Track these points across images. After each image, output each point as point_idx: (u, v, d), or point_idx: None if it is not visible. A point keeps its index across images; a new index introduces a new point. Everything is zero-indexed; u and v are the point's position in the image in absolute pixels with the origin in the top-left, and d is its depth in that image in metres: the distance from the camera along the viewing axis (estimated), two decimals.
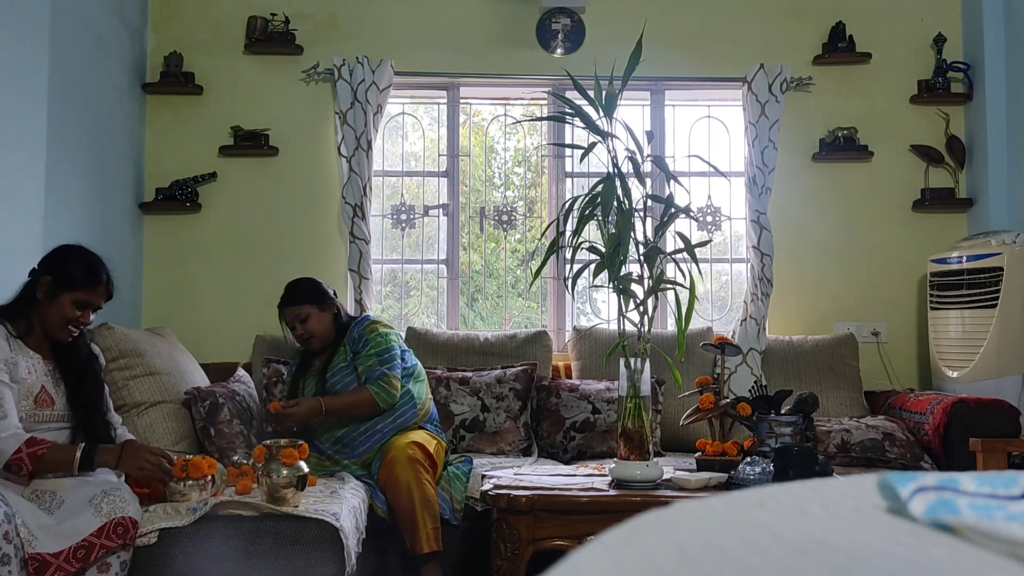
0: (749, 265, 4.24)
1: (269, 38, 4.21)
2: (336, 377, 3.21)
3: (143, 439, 2.92)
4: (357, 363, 3.21)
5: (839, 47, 4.33)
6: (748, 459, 2.74)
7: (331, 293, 3.36)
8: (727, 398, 3.07)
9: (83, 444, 2.42)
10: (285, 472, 2.51)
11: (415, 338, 3.93)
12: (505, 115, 4.60)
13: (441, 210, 4.41)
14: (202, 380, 3.46)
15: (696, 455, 3.02)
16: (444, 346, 3.95)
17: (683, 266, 2.82)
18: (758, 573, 0.46)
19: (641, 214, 2.78)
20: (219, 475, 2.64)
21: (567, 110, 2.89)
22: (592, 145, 2.82)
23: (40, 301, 2.44)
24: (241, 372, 3.60)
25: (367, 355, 3.19)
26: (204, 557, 2.42)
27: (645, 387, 2.73)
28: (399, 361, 3.25)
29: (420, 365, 3.39)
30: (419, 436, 3.12)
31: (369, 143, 4.11)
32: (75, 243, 2.58)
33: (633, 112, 4.46)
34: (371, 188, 4.14)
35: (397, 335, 3.33)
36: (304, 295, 3.27)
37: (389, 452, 3.00)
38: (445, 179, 4.44)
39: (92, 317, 2.53)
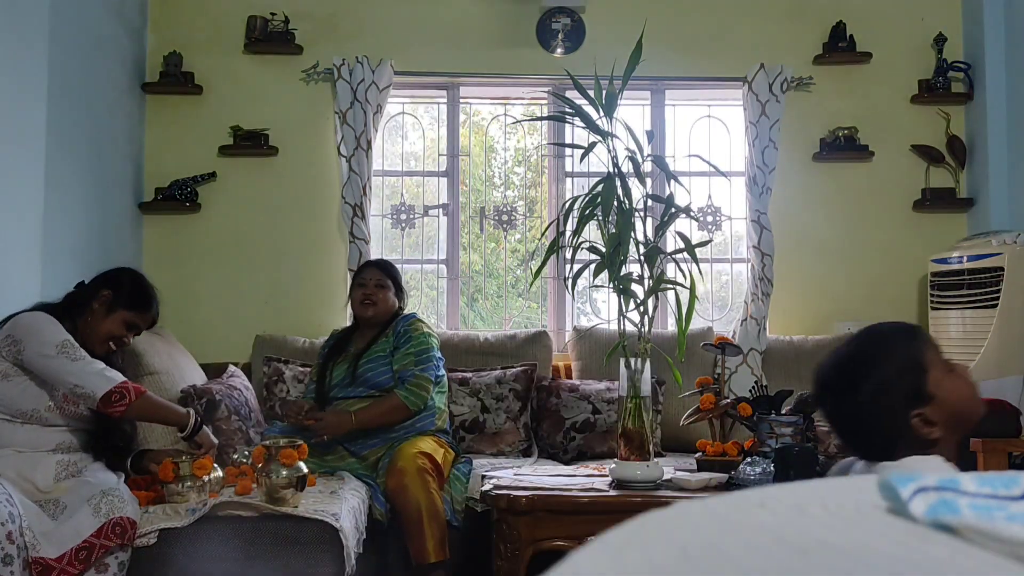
0: (749, 265, 4.23)
1: (269, 38, 4.20)
2: (370, 364, 3.22)
3: (141, 439, 2.92)
4: (395, 358, 3.21)
5: (839, 47, 4.32)
6: (748, 459, 2.74)
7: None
8: (727, 398, 3.07)
9: (192, 411, 2.59)
10: (284, 472, 2.50)
11: None
12: (505, 115, 4.59)
13: (441, 210, 4.41)
14: (200, 380, 3.46)
15: (696, 455, 3.02)
16: (444, 346, 3.91)
17: (683, 266, 2.81)
18: (759, 573, 0.45)
19: (641, 214, 2.77)
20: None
21: (567, 110, 2.88)
22: (592, 145, 2.82)
23: (94, 311, 2.54)
24: (233, 369, 3.59)
25: (406, 353, 3.20)
26: (203, 557, 2.42)
27: (645, 387, 2.73)
28: (435, 364, 3.25)
29: (446, 375, 3.39)
30: (427, 445, 3.08)
31: (369, 143, 4.11)
32: (133, 267, 2.78)
33: (633, 112, 4.45)
34: (371, 188, 4.13)
35: (437, 339, 3.34)
36: (394, 272, 3.42)
37: (398, 461, 2.97)
38: (445, 179, 4.44)
39: (132, 341, 2.65)
